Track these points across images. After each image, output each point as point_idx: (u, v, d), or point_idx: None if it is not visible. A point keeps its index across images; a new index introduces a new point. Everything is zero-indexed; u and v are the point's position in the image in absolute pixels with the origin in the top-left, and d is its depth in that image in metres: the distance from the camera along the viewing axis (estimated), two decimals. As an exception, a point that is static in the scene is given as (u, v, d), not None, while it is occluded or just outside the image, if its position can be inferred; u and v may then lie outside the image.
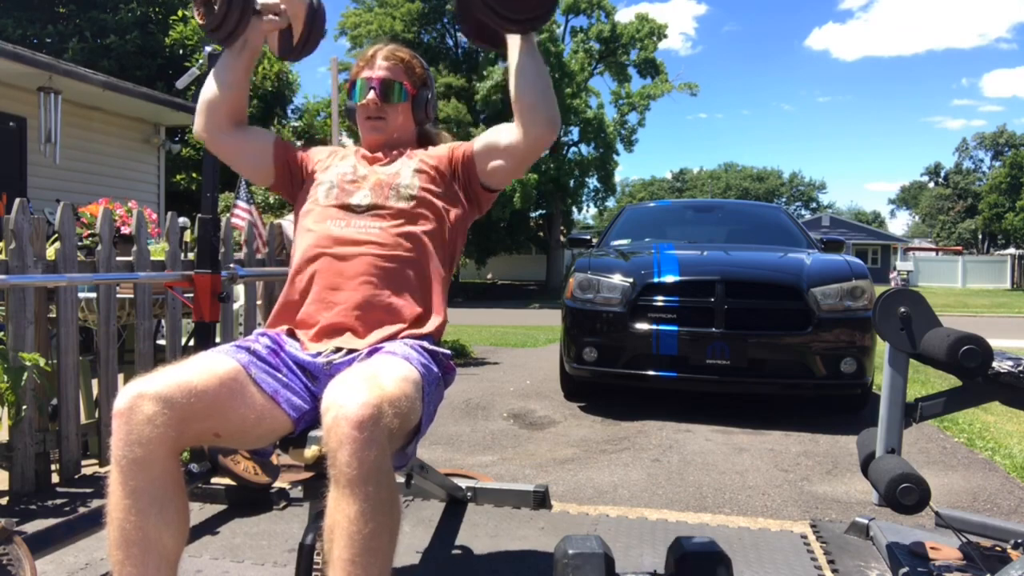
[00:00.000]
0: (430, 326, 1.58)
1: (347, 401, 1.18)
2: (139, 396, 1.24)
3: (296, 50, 1.72)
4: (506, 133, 1.64)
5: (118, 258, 2.92)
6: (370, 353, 1.46)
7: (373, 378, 1.26)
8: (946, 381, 4.17)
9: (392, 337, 1.51)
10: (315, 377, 1.48)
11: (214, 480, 2.47)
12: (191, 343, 2.76)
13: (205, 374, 1.32)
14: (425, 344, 1.52)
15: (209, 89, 1.70)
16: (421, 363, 1.43)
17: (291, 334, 1.56)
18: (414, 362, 1.40)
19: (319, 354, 1.50)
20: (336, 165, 1.72)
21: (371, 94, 1.70)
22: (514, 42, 1.59)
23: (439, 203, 1.65)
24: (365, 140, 1.76)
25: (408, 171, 1.66)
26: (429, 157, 1.71)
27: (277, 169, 1.75)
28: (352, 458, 1.14)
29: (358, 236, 1.57)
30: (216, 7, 1.59)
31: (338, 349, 1.50)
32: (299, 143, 1.88)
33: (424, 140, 1.83)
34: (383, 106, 1.71)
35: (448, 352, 1.59)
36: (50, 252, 2.70)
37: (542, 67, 1.58)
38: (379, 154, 1.73)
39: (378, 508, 1.16)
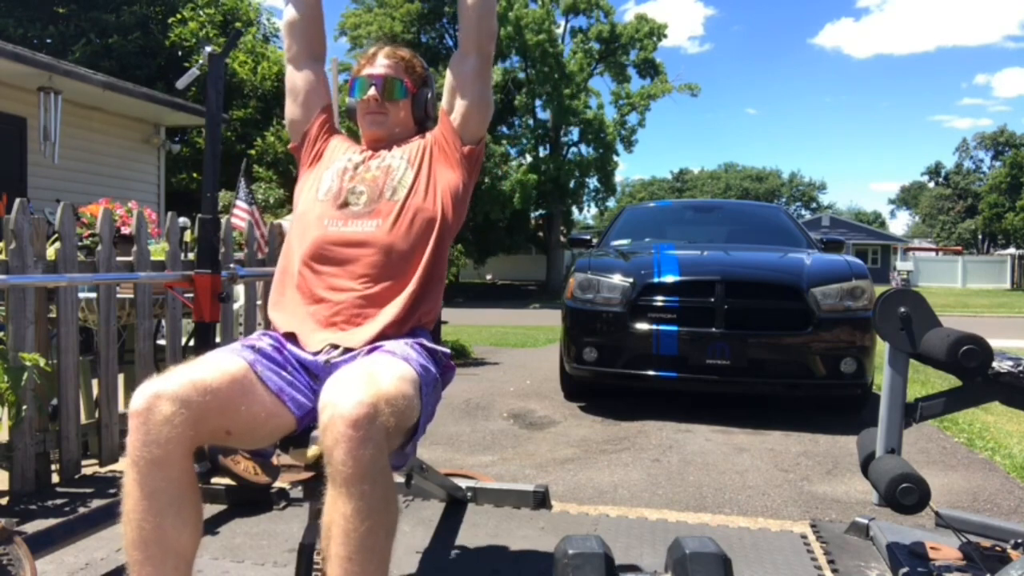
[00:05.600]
0: (425, 318, 1.60)
1: (343, 399, 1.18)
2: (157, 396, 1.24)
3: None
4: (456, 69, 1.72)
5: (118, 258, 2.92)
6: (370, 351, 1.46)
7: (370, 376, 1.26)
8: (946, 381, 4.17)
9: (388, 330, 1.52)
10: (316, 376, 1.48)
11: (214, 480, 2.47)
12: (191, 343, 2.76)
13: (217, 372, 1.33)
14: (424, 343, 1.53)
15: (288, 13, 1.78)
16: (420, 363, 1.43)
17: (290, 337, 1.57)
18: (412, 362, 1.40)
19: (318, 352, 1.50)
20: (339, 159, 1.73)
21: (372, 90, 1.72)
22: None
23: (435, 190, 1.67)
24: (366, 136, 1.79)
25: (401, 163, 1.68)
26: (422, 143, 1.73)
27: (308, 133, 1.80)
28: (348, 456, 1.15)
29: (354, 234, 1.58)
30: None
31: (336, 347, 1.51)
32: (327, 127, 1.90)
33: None
34: (384, 102, 1.74)
35: (447, 351, 1.59)
36: (50, 252, 2.70)
37: None
38: (377, 148, 1.76)
39: (374, 506, 1.16)
